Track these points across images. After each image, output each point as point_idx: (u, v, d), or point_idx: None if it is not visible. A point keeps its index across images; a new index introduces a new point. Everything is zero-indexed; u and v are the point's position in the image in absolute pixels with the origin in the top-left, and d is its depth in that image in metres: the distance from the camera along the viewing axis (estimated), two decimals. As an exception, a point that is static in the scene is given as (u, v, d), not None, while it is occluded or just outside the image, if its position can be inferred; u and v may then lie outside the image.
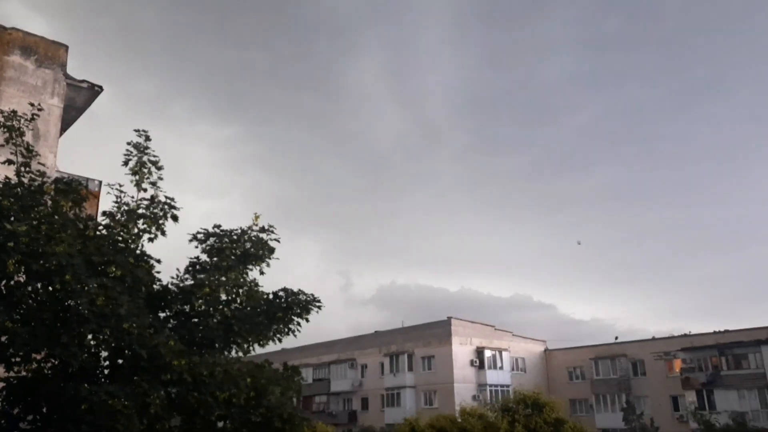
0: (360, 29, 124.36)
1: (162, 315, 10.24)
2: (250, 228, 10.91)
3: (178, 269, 10.59)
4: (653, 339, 52.35)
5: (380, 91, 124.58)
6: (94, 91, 17.22)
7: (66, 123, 17.36)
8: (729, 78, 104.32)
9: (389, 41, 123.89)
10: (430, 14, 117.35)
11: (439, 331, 53.51)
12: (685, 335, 49.39)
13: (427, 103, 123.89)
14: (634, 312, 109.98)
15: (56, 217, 8.88)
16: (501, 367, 53.28)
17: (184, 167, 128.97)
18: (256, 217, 10.94)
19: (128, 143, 10.27)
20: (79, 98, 17.22)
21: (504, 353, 54.00)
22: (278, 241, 10.91)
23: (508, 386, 50.94)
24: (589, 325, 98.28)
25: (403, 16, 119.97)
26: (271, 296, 10.80)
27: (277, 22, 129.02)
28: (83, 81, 16.97)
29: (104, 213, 10.15)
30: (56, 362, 8.74)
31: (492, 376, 52.17)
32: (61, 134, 16.61)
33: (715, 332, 46.97)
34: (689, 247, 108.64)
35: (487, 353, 52.97)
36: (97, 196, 15.41)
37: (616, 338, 55.12)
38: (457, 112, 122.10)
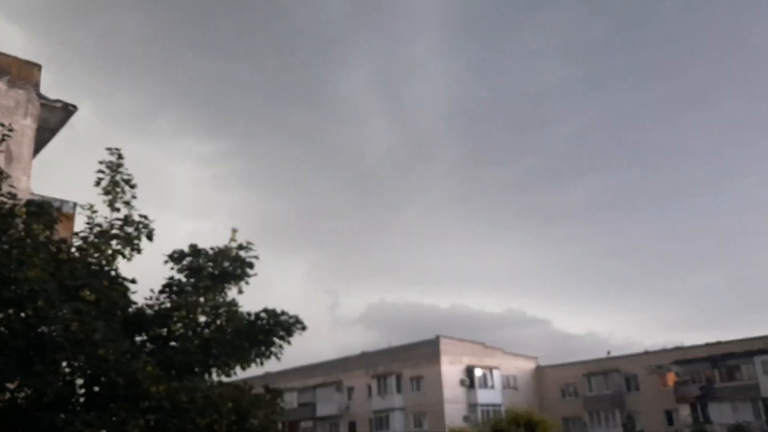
0: (349, 40, 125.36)
1: (139, 339, 10.14)
2: (227, 246, 10.88)
3: (152, 290, 10.53)
4: (646, 353, 52.67)
5: (369, 104, 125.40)
6: (68, 110, 17.16)
7: (40, 144, 17.27)
8: (719, 83, 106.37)
9: (378, 52, 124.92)
10: (419, 24, 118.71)
11: (428, 351, 53.38)
12: (678, 348, 49.77)
13: (416, 115, 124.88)
14: (628, 325, 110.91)
15: (28, 240, 8.81)
16: (492, 386, 53.24)
17: (169, 186, 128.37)
18: (234, 233, 10.92)
19: (100, 162, 10.24)
20: (53, 118, 17.15)
21: (495, 371, 53.97)
22: (257, 258, 10.89)
23: (499, 405, 50.87)
24: (584, 339, 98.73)
25: (392, 26, 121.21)
26: (252, 317, 10.75)
27: (263, 33, 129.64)
28: (57, 101, 16.91)
29: (76, 234, 10.09)
30: (30, 392, 8.61)
31: (483, 396, 52.09)
32: (35, 155, 16.52)
33: (707, 344, 47.40)
34: (682, 257, 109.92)
35: (478, 372, 52.93)
36: (71, 218, 15.29)
37: (609, 353, 55.44)
38: (446, 124, 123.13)
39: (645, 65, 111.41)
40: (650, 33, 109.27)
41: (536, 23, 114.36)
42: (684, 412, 46.06)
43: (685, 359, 47.03)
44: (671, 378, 47.91)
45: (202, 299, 10.13)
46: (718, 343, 46.55)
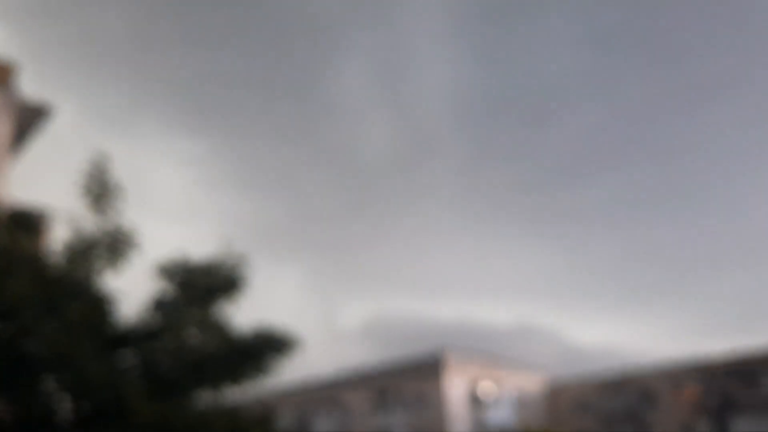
0: (345, 31, 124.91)
1: (126, 356, 10.19)
2: (218, 259, 10.92)
3: (140, 306, 10.56)
4: (663, 365, 52.71)
5: (367, 98, 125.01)
6: (47, 111, 17.26)
7: (18, 148, 17.36)
8: (747, 69, 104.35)
9: (377, 42, 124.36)
10: (422, 13, 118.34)
11: (431, 365, 53.34)
12: (696, 358, 49.83)
13: (418, 110, 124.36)
14: (648, 333, 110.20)
15: (11, 252, 8.88)
16: (501, 402, 53.18)
17: (155, 189, 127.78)
18: (226, 244, 10.99)
19: (83, 166, 10.28)
20: (32, 121, 17.24)
21: (503, 386, 53.95)
22: (250, 269, 10.95)
23: (509, 423, 50.85)
24: (598, 350, 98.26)
25: (393, 15, 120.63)
26: (245, 337, 10.75)
27: (253, 24, 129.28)
28: (35, 101, 17.01)
29: (57, 243, 10.13)
30: (15, 409, 8.68)
31: (492, 413, 52.05)
32: (12, 159, 16.61)
33: (727, 356, 47.43)
34: (702, 261, 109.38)
35: (486, 387, 52.88)
36: (52, 226, 15.36)
37: (624, 366, 55.47)
38: (451, 120, 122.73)
39: (659, 56, 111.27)
40: (663, 23, 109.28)
41: (547, 10, 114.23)
42: (704, 426, 46.12)
43: (704, 370, 47.10)
44: (690, 390, 47.99)
45: (192, 315, 10.16)
46: (739, 354, 46.61)
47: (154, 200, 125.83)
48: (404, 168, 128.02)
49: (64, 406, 9.25)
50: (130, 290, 10.58)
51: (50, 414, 8.81)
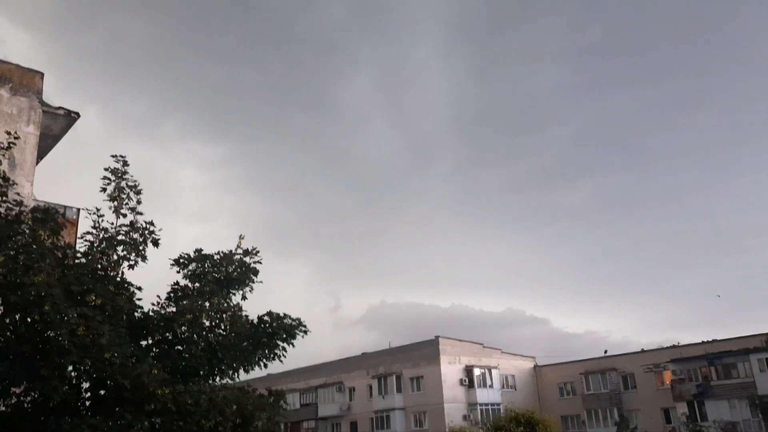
0: (351, 45, 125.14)
1: (144, 343, 10.16)
2: (232, 252, 10.91)
3: (159, 296, 10.55)
4: (642, 351, 52.68)
5: (371, 108, 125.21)
6: (71, 117, 17.17)
7: (43, 150, 17.27)
8: (711, 85, 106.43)
9: (380, 57, 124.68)
10: (420, 29, 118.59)
11: (427, 351, 53.36)
12: (674, 346, 49.78)
13: (417, 119, 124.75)
14: (626, 324, 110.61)
15: (34, 246, 8.82)
16: (491, 386, 53.17)
17: (174, 190, 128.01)
18: (240, 239, 10.96)
19: (105, 169, 10.28)
20: (56, 125, 17.15)
21: (493, 371, 53.94)
22: (260, 263, 10.92)
23: (498, 404, 50.84)
24: (582, 338, 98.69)
25: (394, 31, 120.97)
26: (255, 321, 10.78)
27: (267, 38, 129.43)
28: (59, 108, 16.92)
29: (81, 236, 10.11)
30: (37, 396, 8.62)
31: (482, 395, 52.02)
32: (38, 162, 16.52)
33: (703, 342, 47.40)
34: (678, 257, 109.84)
35: (477, 372, 52.87)
36: (75, 223, 15.30)
37: (606, 352, 55.47)
38: (446, 128, 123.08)
39: (639, 68, 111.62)
40: (644, 36, 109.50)
41: (533, 28, 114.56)
42: (681, 410, 46.05)
43: (681, 357, 47.01)
44: (668, 376, 47.93)
45: (207, 304, 10.14)
46: (715, 342, 46.58)
47: (175, 200, 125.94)
48: (404, 172, 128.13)
49: (85, 391, 9.20)
50: (152, 282, 10.57)
51: (72, 399, 8.75)
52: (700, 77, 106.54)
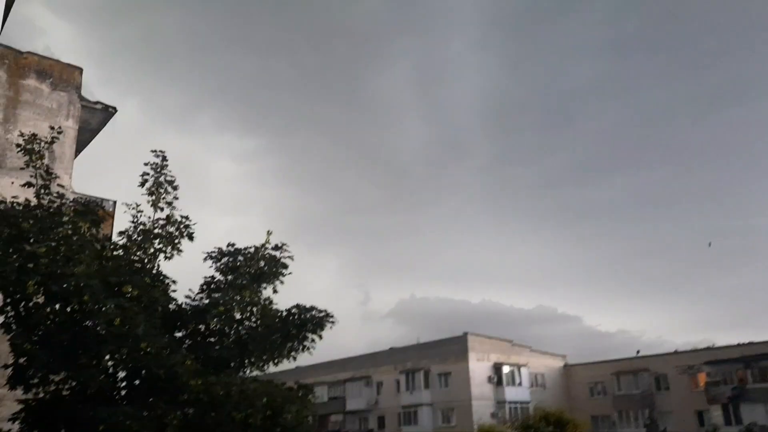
0: (386, 38, 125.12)
1: (177, 335, 10.38)
2: (263, 246, 11.06)
3: (191, 289, 10.76)
4: (676, 352, 51.72)
5: (405, 102, 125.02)
6: (108, 112, 17.59)
7: (81, 144, 17.71)
8: (751, 79, 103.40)
9: (415, 50, 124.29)
10: (455, 22, 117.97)
11: (456, 347, 53.20)
12: (709, 348, 48.78)
13: (450, 113, 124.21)
14: (660, 324, 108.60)
15: (75, 238, 9.08)
16: (520, 384, 52.81)
17: (209, 182, 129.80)
18: (269, 235, 11.11)
19: (145, 164, 10.53)
20: (94, 120, 17.58)
21: (523, 369, 53.56)
22: (291, 259, 11.07)
23: (527, 403, 50.48)
24: (615, 337, 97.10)
25: (428, 24, 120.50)
26: (284, 314, 10.90)
27: (301, 31, 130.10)
28: (97, 102, 17.33)
29: (120, 233, 10.37)
30: (74, 384, 8.88)
31: (511, 393, 51.71)
32: (76, 155, 16.95)
33: (739, 344, 46.36)
34: (716, 256, 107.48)
35: (505, 369, 52.57)
36: (112, 216, 15.66)
37: (638, 352, 54.62)
38: (479, 123, 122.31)
39: (676, 62, 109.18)
40: (680, 30, 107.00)
41: (567, 22, 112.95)
42: (715, 413, 45.13)
43: (716, 359, 46.02)
44: (702, 378, 46.98)
45: (238, 297, 10.31)
46: (751, 344, 45.49)
47: (209, 192, 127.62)
48: (435, 166, 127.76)
49: (121, 380, 9.44)
50: (186, 274, 10.79)
51: (107, 388, 8.99)
52: (739, 71, 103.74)
